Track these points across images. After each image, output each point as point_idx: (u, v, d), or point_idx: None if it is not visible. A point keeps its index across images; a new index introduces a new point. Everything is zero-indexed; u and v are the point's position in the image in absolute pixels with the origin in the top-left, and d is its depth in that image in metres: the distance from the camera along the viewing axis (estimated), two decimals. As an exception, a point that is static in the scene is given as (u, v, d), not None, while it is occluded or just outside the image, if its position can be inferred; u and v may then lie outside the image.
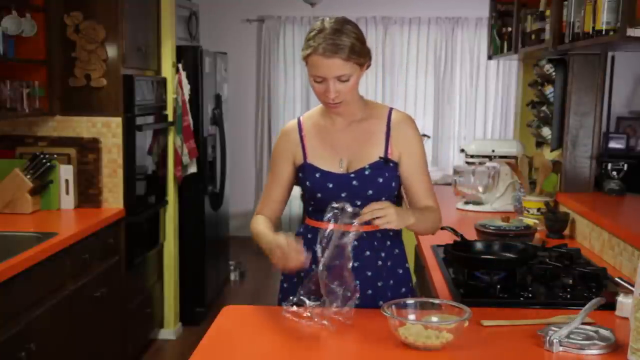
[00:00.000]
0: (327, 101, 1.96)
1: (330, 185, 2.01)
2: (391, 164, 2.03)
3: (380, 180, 2.01)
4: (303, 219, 2.22)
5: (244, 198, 7.26)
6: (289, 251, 1.85)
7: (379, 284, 2.05)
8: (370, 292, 2.04)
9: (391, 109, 2.09)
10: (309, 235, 2.07)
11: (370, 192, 2.00)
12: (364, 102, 2.08)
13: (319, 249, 1.86)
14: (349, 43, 1.88)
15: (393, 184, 2.04)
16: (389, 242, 2.08)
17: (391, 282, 2.07)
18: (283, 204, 2.17)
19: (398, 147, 2.04)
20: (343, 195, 1.99)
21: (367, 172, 2.00)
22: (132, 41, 3.76)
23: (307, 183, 2.04)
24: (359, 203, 1.99)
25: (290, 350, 1.69)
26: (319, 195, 2.02)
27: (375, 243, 2.05)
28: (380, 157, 2.02)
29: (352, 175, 2.01)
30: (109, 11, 3.59)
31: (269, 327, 1.84)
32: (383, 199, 2.02)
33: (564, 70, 3.34)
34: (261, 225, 2.07)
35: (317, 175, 2.02)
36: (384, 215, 1.82)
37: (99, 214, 3.52)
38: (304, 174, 2.05)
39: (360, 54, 1.92)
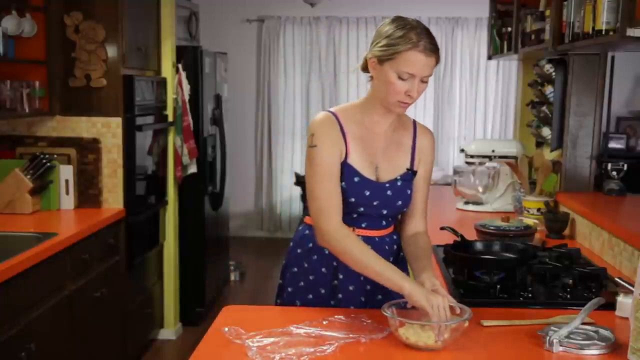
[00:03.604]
0: (403, 100, 1.90)
1: (367, 193, 1.98)
2: (414, 176, 2.06)
3: (408, 192, 2.04)
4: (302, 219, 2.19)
5: (244, 198, 7.27)
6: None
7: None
8: (380, 297, 2.04)
9: (414, 120, 2.11)
10: None
11: (400, 202, 2.03)
12: None
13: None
14: (436, 42, 1.89)
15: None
16: (395, 247, 2.10)
17: None
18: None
19: (419, 158, 2.07)
20: (375, 203, 1.99)
21: (399, 184, 2.02)
22: (132, 41, 3.76)
23: (343, 184, 1.97)
24: (384, 212, 2.02)
25: (290, 350, 1.69)
26: (352, 199, 1.97)
27: (387, 247, 2.06)
28: (408, 169, 2.04)
29: (387, 185, 2.00)
30: (109, 11, 3.59)
31: (269, 327, 1.83)
32: (405, 209, 2.07)
33: (564, 71, 3.34)
34: (378, 258, 1.87)
35: (356, 179, 1.97)
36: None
37: (99, 214, 3.52)
38: (341, 173, 1.97)
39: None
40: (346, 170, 1.97)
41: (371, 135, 2.01)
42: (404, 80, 1.87)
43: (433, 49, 1.86)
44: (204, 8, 6.37)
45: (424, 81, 1.89)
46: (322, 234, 1.93)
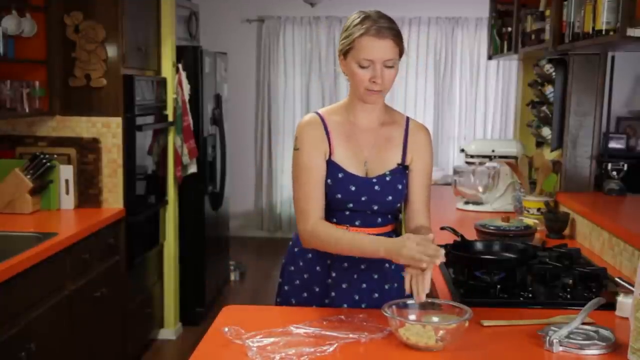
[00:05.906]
0: (370, 88, 1.92)
1: (353, 188, 1.99)
2: (407, 171, 2.05)
3: (399, 187, 2.03)
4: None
5: (244, 198, 7.27)
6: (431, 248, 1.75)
7: (386, 286, 2.06)
8: (376, 295, 2.05)
9: (408, 117, 2.11)
10: None
11: (390, 197, 2.02)
12: (385, 105, 2.08)
13: None
14: (396, 27, 1.92)
15: (406, 189, 2.06)
16: None
17: (395, 284, 2.08)
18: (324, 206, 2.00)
19: (412, 153, 2.06)
20: (363, 199, 1.99)
21: (387, 178, 2.01)
22: (132, 41, 3.76)
23: (328, 181, 1.99)
24: (375, 207, 2.01)
25: (290, 350, 1.69)
26: (338, 195, 1.99)
27: None
28: (399, 164, 2.03)
29: (374, 180, 2.00)
30: (109, 11, 3.59)
31: (269, 327, 1.83)
32: (398, 205, 2.06)
33: (564, 70, 3.34)
34: (350, 233, 1.95)
35: (340, 175, 1.99)
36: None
37: (99, 214, 3.52)
38: (327, 171, 2.00)
39: (402, 42, 1.95)
40: (330, 168, 1.99)
41: (358, 132, 2.03)
42: (365, 67, 1.90)
43: (387, 33, 1.88)
44: (204, 8, 6.37)
45: (388, 66, 1.90)
46: (301, 235, 1.99)
